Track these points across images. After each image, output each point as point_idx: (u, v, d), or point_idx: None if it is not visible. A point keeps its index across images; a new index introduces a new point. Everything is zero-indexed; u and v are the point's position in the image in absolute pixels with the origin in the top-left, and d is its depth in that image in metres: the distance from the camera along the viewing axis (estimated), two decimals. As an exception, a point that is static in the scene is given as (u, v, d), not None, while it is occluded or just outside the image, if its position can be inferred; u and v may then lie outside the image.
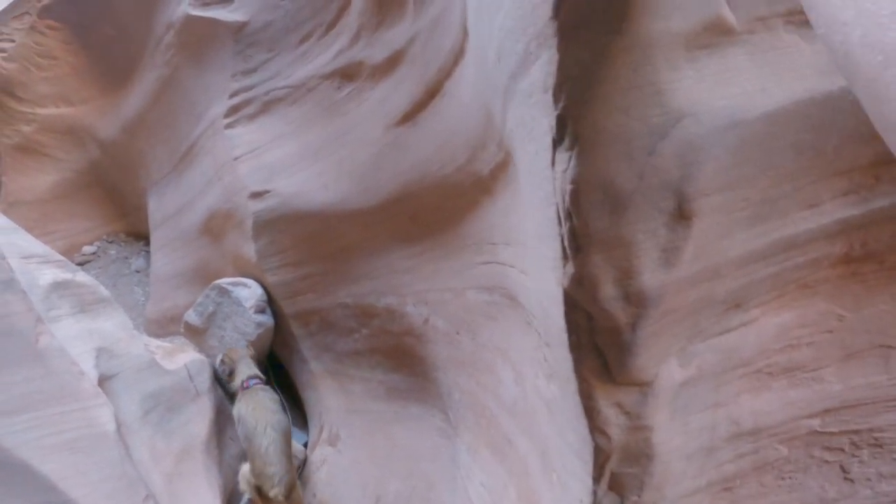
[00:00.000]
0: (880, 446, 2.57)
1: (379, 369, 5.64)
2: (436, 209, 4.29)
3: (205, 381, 5.95)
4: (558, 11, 1.74)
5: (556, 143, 1.90)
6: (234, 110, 6.49)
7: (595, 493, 2.39)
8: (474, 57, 3.15)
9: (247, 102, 6.39)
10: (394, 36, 4.62)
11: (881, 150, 2.10)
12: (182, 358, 5.95)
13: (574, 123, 1.82)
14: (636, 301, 1.96)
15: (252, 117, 6.36)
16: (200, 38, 6.83)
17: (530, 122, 2.11)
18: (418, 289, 4.82)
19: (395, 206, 4.69)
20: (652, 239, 1.90)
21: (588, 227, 1.89)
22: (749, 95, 1.90)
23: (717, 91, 1.87)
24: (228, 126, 6.50)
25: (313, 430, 6.34)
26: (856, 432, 2.55)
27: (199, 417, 5.51)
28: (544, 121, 1.94)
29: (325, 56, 5.58)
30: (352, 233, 5.26)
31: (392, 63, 4.66)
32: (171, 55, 7.43)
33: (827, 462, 2.58)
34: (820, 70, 2.00)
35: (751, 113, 1.88)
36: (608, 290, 1.97)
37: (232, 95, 6.50)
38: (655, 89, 1.79)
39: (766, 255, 2.15)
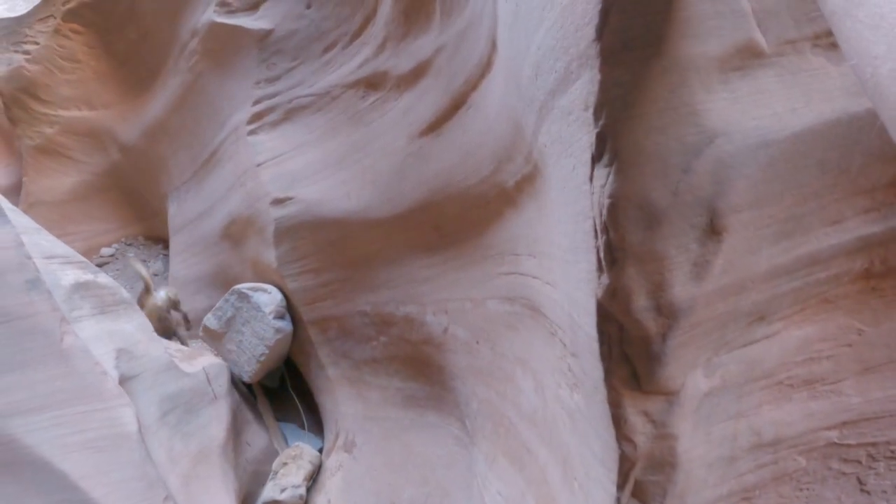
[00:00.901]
0: (896, 458, 2.60)
1: (396, 377, 5.68)
2: (458, 219, 4.33)
3: (223, 384, 6.00)
4: (601, 34, 1.80)
5: (595, 159, 1.96)
6: (257, 117, 6.56)
7: (619, 500, 2.43)
8: (503, 70, 3.20)
9: (270, 109, 6.46)
10: (420, 47, 4.67)
11: (901, 170, 2.17)
12: (200, 361, 6.01)
13: (613, 141, 1.88)
14: (667, 312, 2.02)
15: (275, 124, 6.42)
16: (225, 45, 6.90)
17: (568, 138, 2.17)
18: (438, 298, 4.86)
19: (418, 216, 4.74)
20: (684, 253, 1.96)
21: (624, 241, 1.95)
22: (779, 116, 1.95)
23: (748, 112, 1.92)
24: (251, 133, 6.57)
25: (329, 435, 6.38)
26: (873, 445, 2.57)
27: (216, 420, 5.55)
28: (584, 137, 2.01)
29: (349, 65, 5.64)
30: (373, 241, 5.31)
31: (417, 73, 4.72)
32: (195, 61, 7.51)
33: (844, 474, 2.60)
34: (846, 91, 2.05)
35: (781, 133, 1.94)
36: (641, 302, 2.02)
37: (255, 102, 6.58)
38: (691, 110, 1.86)
39: (790, 269, 2.20)
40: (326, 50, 5.96)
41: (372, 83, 5.36)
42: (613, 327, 2.14)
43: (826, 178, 2.09)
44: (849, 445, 2.58)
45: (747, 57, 1.96)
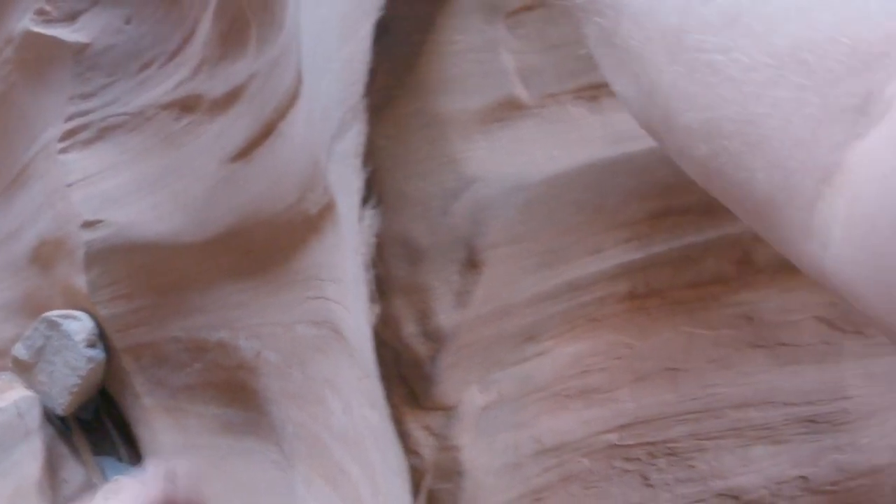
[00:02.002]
0: (675, 455, 2.87)
1: (213, 403, 5.59)
2: (268, 245, 4.37)
3: (35, 418, 5.75)
4: (369, 91, 1.98)
5: (364, 201, 2.13)
6: (69, 134, 6.27)
7: (416, 509, 2.59)
8: (306, 103, 3.31)
9: (83, 127, 6.20)
10: (235, 71, 4.65)
11: (658, 205, 2.45)
12: (11, 395, 5.75)
13: (379, 186, 2.06)
14: (434, 337, 2.21)
15: (88, 143, 6.18)
16: (40, 56, 6.56)
17: (346, 179, 2.33)
18: (250, 323, 4.87)
19: (230, 241, 4.74)
20: (446, 285, 2.16)
21: (390, 275, 2.13)
22: (535, 162, 2.18)
23: (507, 159, 2.14)
24: (62, 151, 6.28)
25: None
26: (651, 444, 2.84)
27: (30, 457, 5.34)
28: (355, 181, 2.18)
29: (165, 85, 5.53)
30: (186, 266, 5.23)
31: (231, 98, 4.70)
32: (8, 71, 7.09)
33: (627, 471, 2.85)
34: (605, 139, 2.29)
35: (536, 177, 2.17)
36: (410, 329, 2.21)
37: (68, 119, 6.28)
38: (450, 159, 2.06)
39: (553, 295, 2.44)
40: (143, 68, 5.82)
41: (186, 105, 5.29)
42: (389, 352, 2.31)
43: (581, 216, 2.33)
44: (629, 446, 2.82)
45: (508, 110, 2.17)
